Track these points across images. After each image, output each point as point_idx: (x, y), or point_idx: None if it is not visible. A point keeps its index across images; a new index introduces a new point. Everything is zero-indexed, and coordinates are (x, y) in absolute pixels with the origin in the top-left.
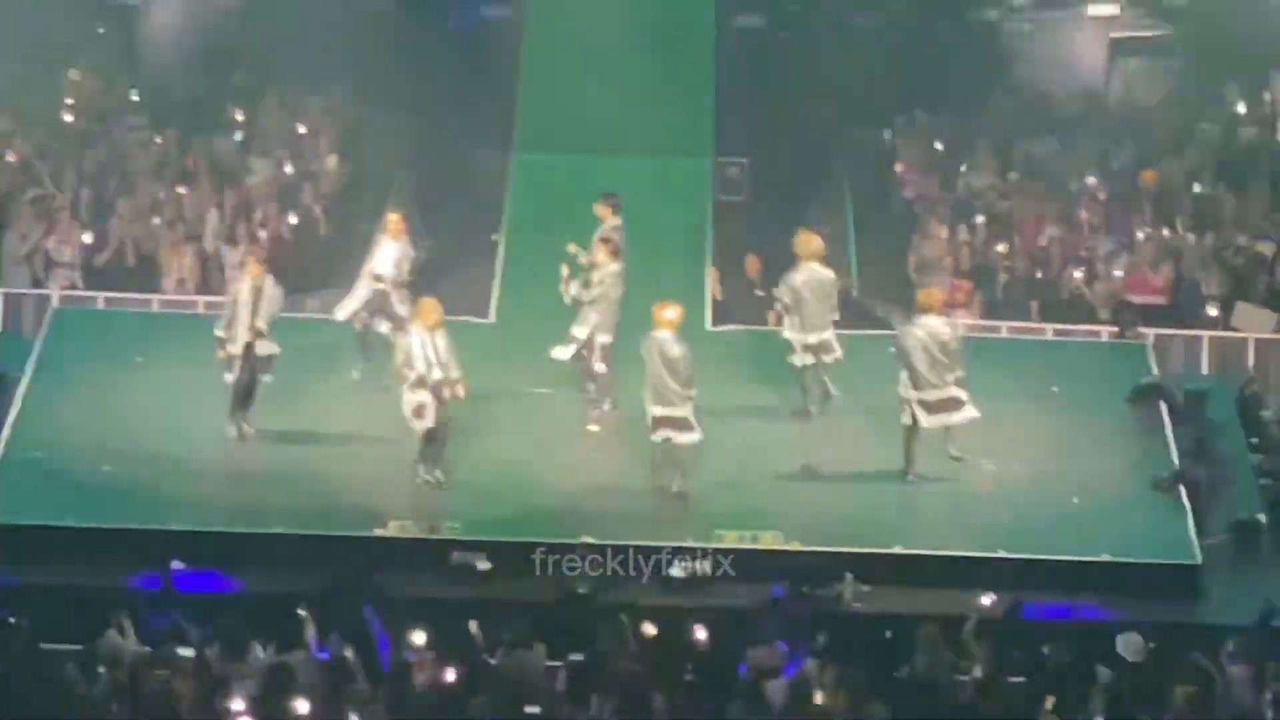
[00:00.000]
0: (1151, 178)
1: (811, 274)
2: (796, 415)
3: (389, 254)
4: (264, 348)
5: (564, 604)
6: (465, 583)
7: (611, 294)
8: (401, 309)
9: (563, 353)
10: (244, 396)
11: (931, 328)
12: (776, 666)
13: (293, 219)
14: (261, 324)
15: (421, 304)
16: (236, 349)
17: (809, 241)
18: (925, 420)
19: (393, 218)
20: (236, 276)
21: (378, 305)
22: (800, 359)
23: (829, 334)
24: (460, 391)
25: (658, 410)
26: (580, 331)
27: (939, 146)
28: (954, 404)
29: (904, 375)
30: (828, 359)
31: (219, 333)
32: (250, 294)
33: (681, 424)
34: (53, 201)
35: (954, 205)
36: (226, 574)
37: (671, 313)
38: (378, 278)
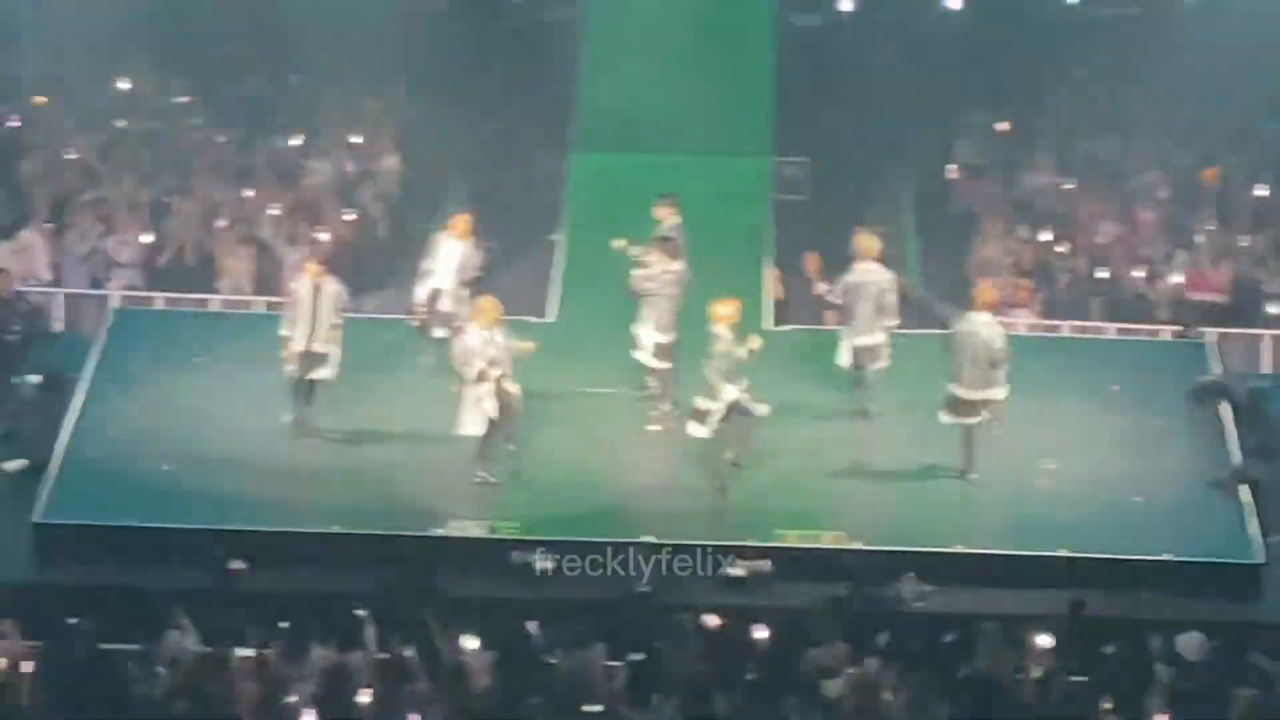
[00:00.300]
0: (1212, 176)
1: (865, 274)
2: (856, 415)
3: (453, 255)
4: (320, 346)
5: (624, 604)
6: (525, 582)
7: (668, 292)
8: (459, 309)
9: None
10: (307, 394)
11: (981, 327)
12: (837, 666)
13: (351, 219)
14: (336, 319)
15: (479, 302)
16: (300, 347)
17: (865, 240)
18: (943, 416)
19: (462, 219)
20: (296, 277)
21: (438, 302)
22: (844, 359)
23: (878, 339)
24: (512, 390)
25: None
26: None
27: (999, 146)
28: (979, 408)
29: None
30: (872, 366)
31: (283, 332)
32: (310, 293)
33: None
34: (112, 202)
35: (1014, 205)
36: (286, 574)
37: (725, 309)
38: (435, 291)
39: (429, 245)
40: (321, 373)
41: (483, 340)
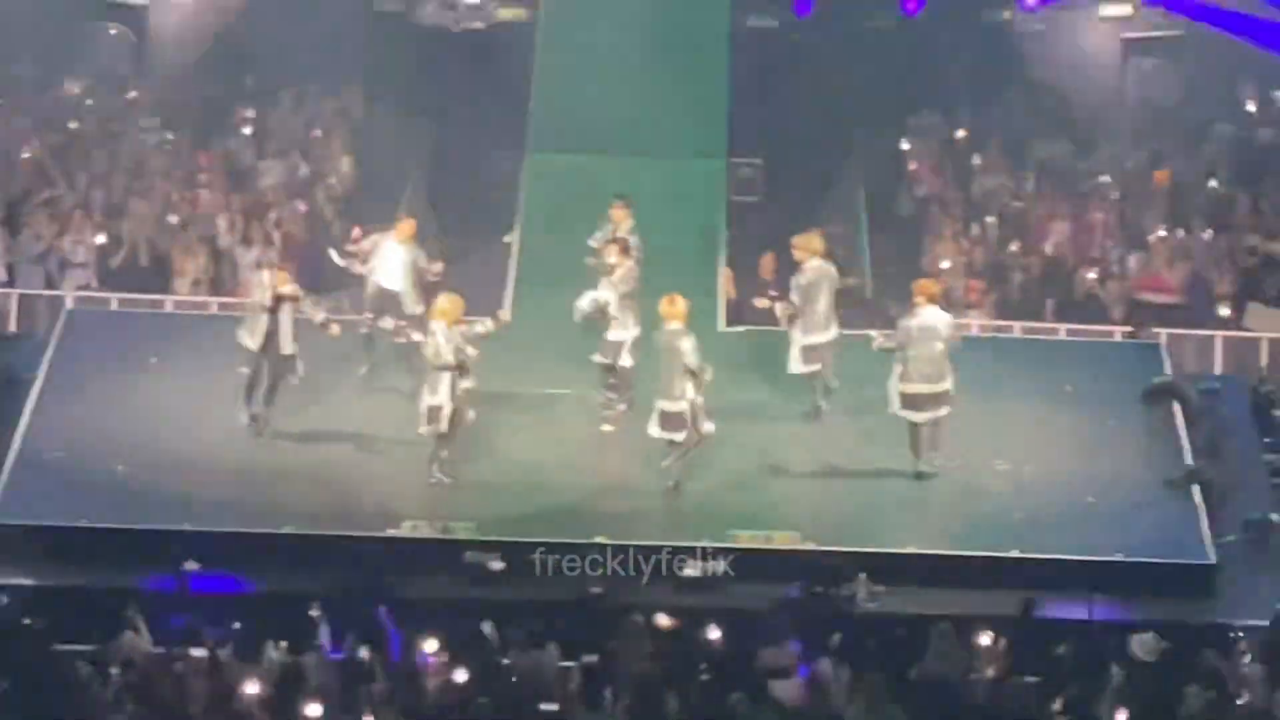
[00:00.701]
0: (1164, 177)
1: (817, 272)
2: (808, 415)
3: (396, 258)
4: (288, 347)
5: (577, 604)
6: (479, 583)
7: (630, 290)
8: (415, 309)
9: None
10: (269, 395)
11: (928, 320)
12: (790, 666)
13: (305, 220)
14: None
15: (442, 301)
16: (256, 346)
17: (812, 240)
18: (901, 411)
19: (408, 223)
20: (257, 283)
21: (384, 306)
22: (797, 365)
23: (832, 334)
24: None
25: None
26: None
27: (952, 147)
28: (937, 401)
29: (896, 367)
30: (817, 366)
31: (244, 340)
32: (271, 297)
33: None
34: (66, 202)
35: (967, 205)
36: (240, 574)
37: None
38: (384, 292)
39: (371, 247)
40: (290, 376)
41: (445, 337)
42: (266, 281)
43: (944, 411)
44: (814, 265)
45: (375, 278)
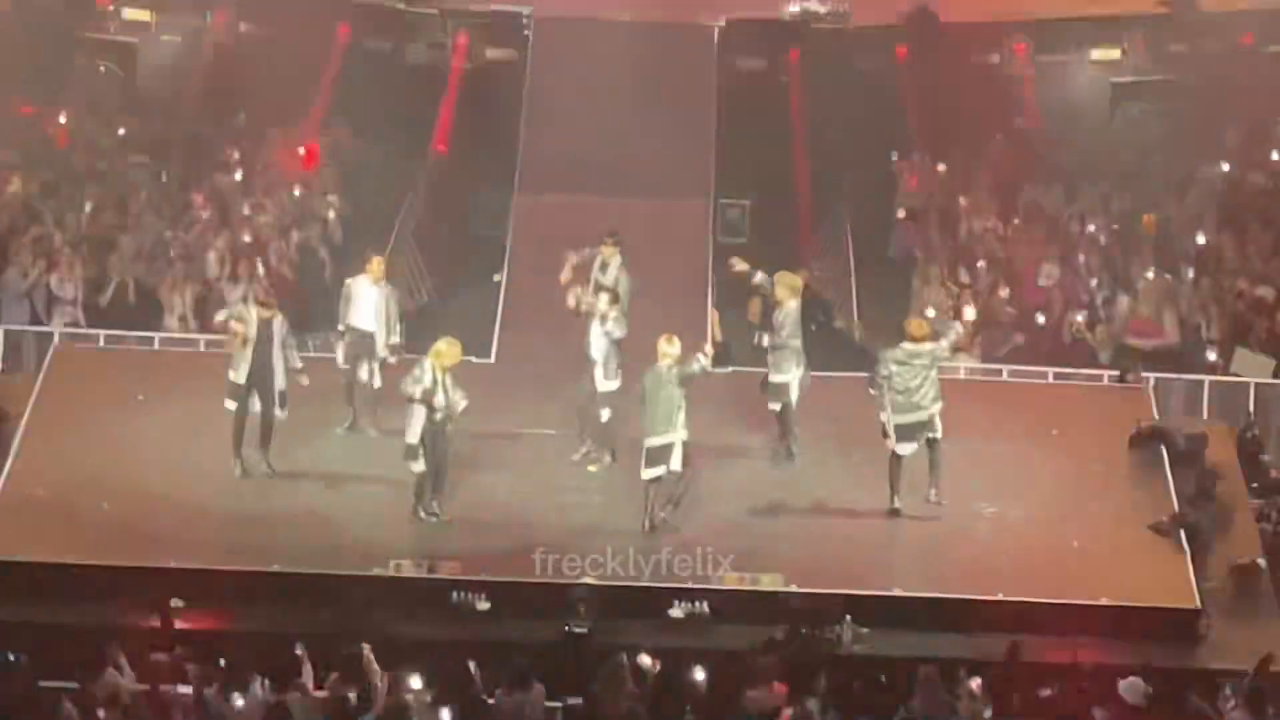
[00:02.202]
0: (1152, 222)
1: (791, 313)
2: (781, 457)
3: (371, 300)
4: (279, 382)
5: (563, 645)
6: (464, 622)
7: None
8: (392, 341)
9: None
10: (265, 436)
11: (910, 349)
12: (775, 708)
13: (294, 257)
14: (295, 361)
15: (439, 345)
16: (241, 380)
17: (790, 279)
18: (897, 446)
19: (376, 261)
20: (242, 315)
21: (361, 351)
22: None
23: (800, 372)
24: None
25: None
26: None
27: (940, 190)
28: (926, 427)
29: (884, 399)
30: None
31: (233, 376)
32: (260, 330)
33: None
34: (54, 239)
35: (955, 249)
36: (225, 612)
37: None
38: (352, 329)
39: (344, 292)
40: (279, 412)
41: (433, 378)
42: (251, 316)
43: (933, 435)
44: (790, 306)
45: (350, 320)
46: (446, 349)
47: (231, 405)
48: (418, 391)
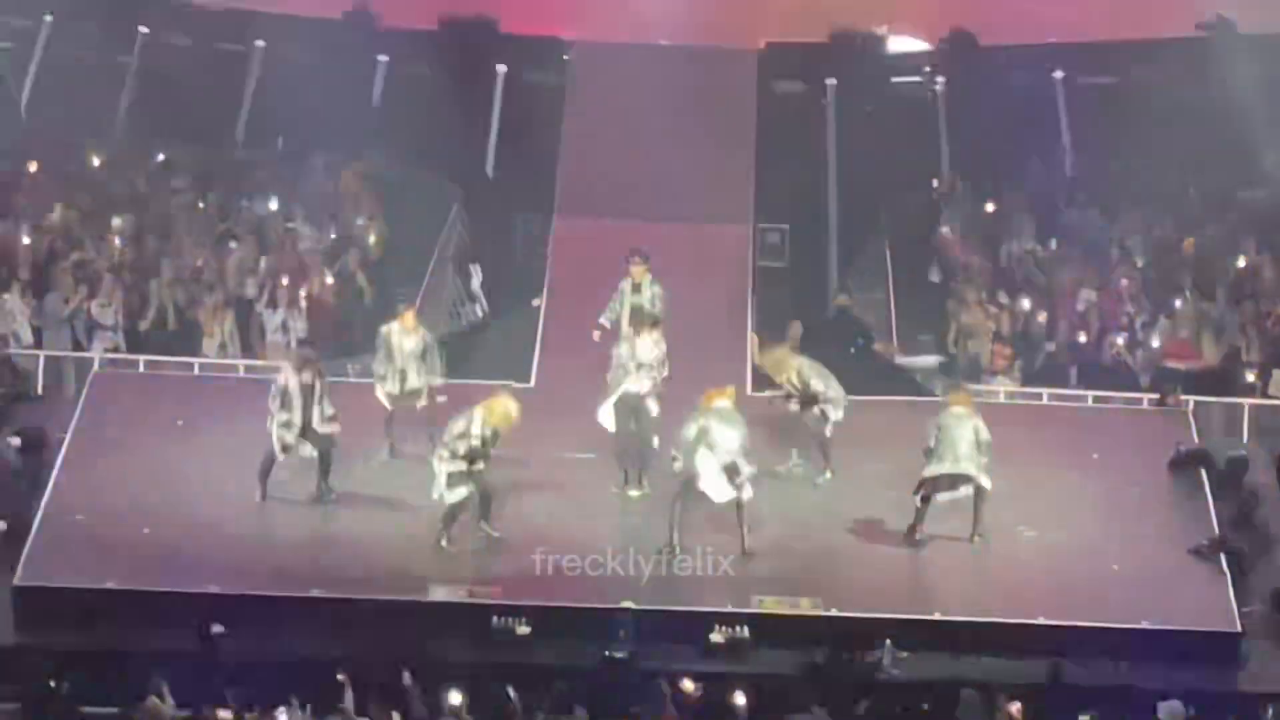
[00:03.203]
0: (1191, 245)
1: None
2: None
3: (406, 347)
4: (326, 428)
5: (603, 670)
6: (505, 648)
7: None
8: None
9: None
10: (324, 467)
11: (966, 418)
12: None
13: (333, 283)
14: (329, 410)
15: (495, 404)
16: (292, 439)
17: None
18: (941, 497)
19: (408, 312)
20: (284, 370)
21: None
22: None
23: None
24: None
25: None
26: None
27: (979, 213)
28: (959, 481)
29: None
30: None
31: (280, 424)
32: (299, 387)
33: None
34: (95, 264)
35: (994, 272)
36: (266, 638)
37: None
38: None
39: (381, 339)
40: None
41: (484, 436)
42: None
43: (962, 492)
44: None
45: (391, 378)
46: (505, 413)
47: (281, 455)
48: (462, 448)
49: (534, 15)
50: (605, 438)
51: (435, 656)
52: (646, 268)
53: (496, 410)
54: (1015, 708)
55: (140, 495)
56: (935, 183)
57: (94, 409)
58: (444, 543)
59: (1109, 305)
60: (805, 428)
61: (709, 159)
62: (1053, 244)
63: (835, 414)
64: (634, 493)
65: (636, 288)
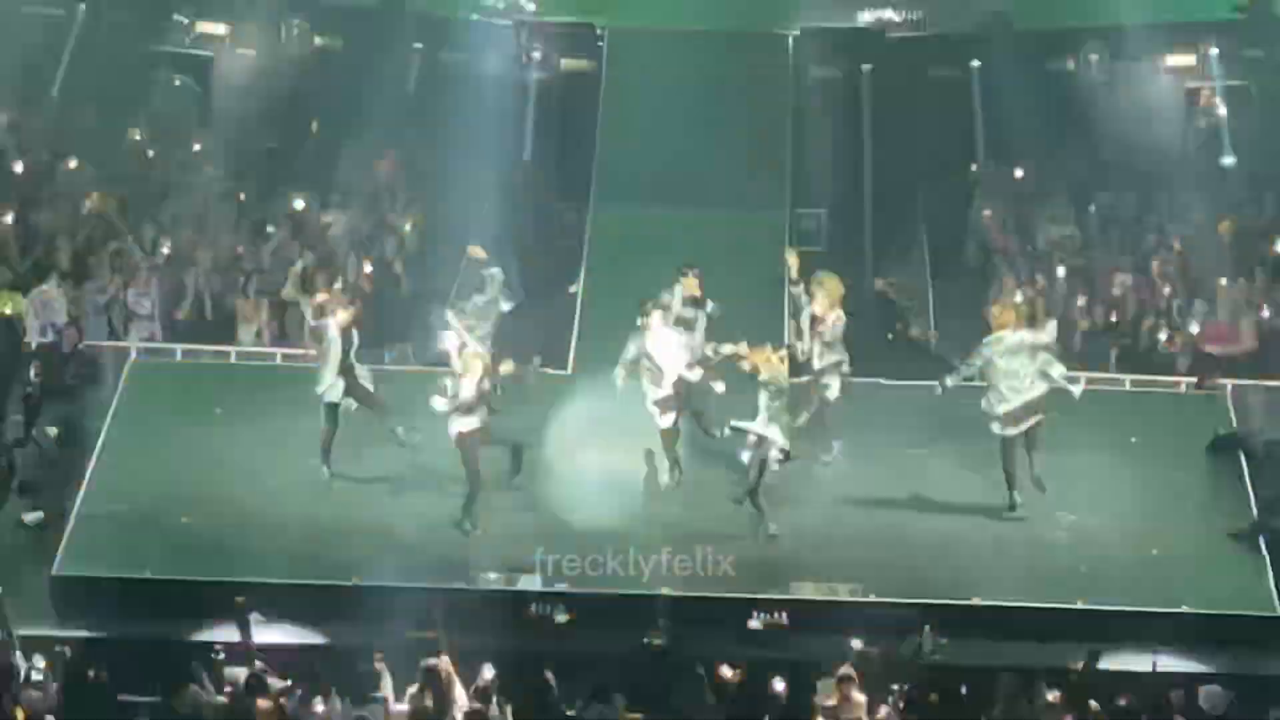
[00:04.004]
0: (1229, 228)
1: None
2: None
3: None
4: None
5: (641, 656)
6: (544, 635)
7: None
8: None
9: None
10: (381, 414)
11: (1005, 340)
12: (855, 718)
13: (370, 270)
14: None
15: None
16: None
17: (833, 284)
18: (1008, 430)
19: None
20: (322, 324)
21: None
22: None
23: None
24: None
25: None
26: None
27: (1016, 197)
28: (1035, 407)
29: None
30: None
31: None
32: (340, 336)
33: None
34: (132, 254)
35: (1031, 256)
36: (305, 625)
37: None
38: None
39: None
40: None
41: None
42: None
43: (1037, 419)
44: (837, 314)
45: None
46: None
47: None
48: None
49: (569, 2)
50: (642, 424)
51: (474, 644)
52: (697, 281)
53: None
54: (1055, 695)
55: (178, 484)
56: (974, 167)
57: (131, 398)
58: (468, 526)
59: (1145, 289)
60: (843, 417)
61: (744, 144)
62: (1089, 228)
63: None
64: (664, 479)
65: (693, 301)
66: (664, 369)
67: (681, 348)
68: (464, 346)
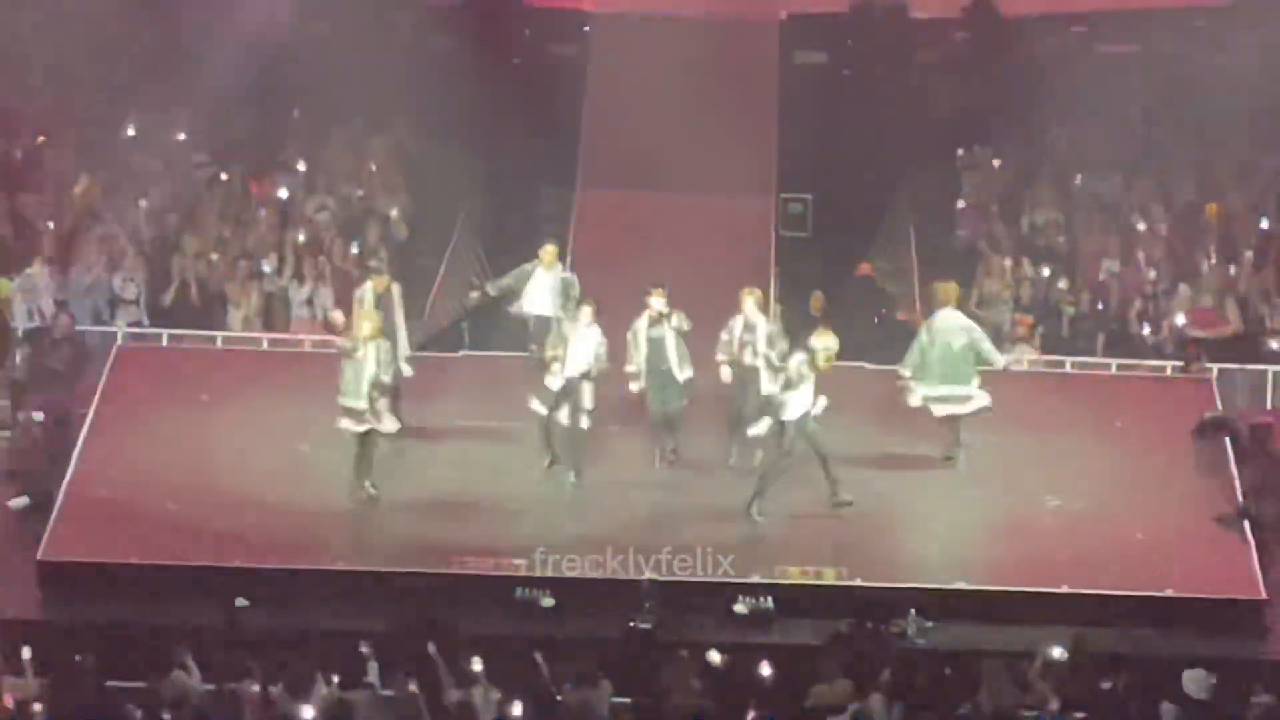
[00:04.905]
0: (1215, 211)
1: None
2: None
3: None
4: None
5: (627, 641)
6: (530, 619)
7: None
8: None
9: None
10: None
11: (951, 321)
12: (840, 703)
13: (355, 256)
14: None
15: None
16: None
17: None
18: (938, 410)
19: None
20: (348, 337)
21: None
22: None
23: None
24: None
25: None
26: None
27: (1001, 182)
28: (962, 400)
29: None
30: None
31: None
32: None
33: None
34: (118, 240)
35: (1016, 240)
36: (291, 611)
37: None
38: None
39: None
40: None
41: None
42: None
43: (966, 409)
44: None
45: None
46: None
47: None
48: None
49: None
50: (628, 410)
51: (460, 628)
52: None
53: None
54: (1039, 677)
55: (164, 469)
56: (960, 152)
57: (117, 383)
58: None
59: (1131, 273)
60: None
61: (731, 130)
62: (1075, 212)
63: None
64: (657, 464)
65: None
66: (570, 362)
67: (594, 348)
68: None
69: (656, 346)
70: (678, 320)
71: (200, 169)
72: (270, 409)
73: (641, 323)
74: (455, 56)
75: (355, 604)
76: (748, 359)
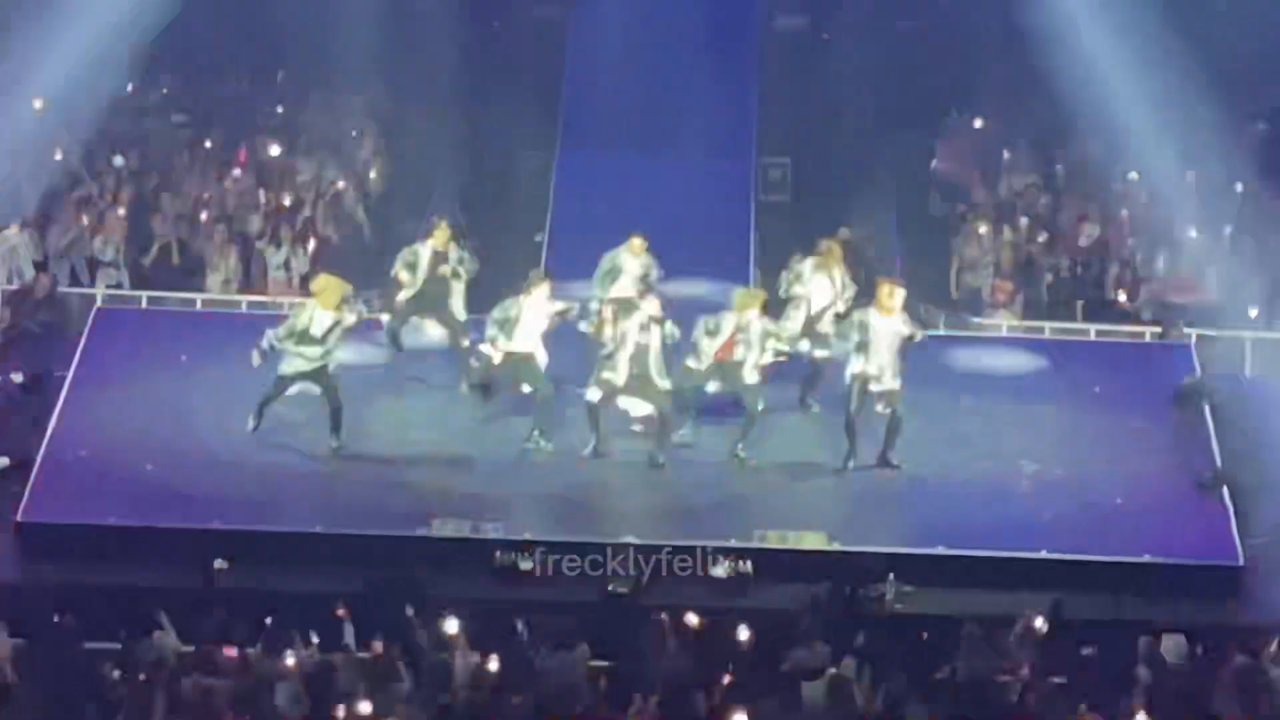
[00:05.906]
0: (1194, 178)
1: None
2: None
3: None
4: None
5: (605, 605)
6: (508, 583)
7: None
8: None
9: None
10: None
11: (886, 325)
12: (817, 667)
13: (336, 219)
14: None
15: (320, 281)
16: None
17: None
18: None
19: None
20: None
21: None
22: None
23: None
24: None
25: None
26: None
27: (981, 147)
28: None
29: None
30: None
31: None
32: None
33: None
34: (97, 202)
35: (996, 206)
36: (269, 573)
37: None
38: None
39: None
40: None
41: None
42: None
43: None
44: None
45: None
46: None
47: None
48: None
49: None
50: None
51: (438, 591)
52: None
53: (324, 288)
54: (1016, 642)
55: (143, 431)
56: (941, 116)
57: (97, 345)
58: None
59: (1112, 239)
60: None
61: (711, 93)
62: (1055, 177)
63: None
64: (635, 428)
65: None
66: (523, 335)
67: (545, 322)
68: None
69: (640, 353)
70: (670, 329)
71: (180, 130)
72: (249, 370)
73: (632, 324)
74: (436, 19)
75: (333, 566)
76: (738, 355)
